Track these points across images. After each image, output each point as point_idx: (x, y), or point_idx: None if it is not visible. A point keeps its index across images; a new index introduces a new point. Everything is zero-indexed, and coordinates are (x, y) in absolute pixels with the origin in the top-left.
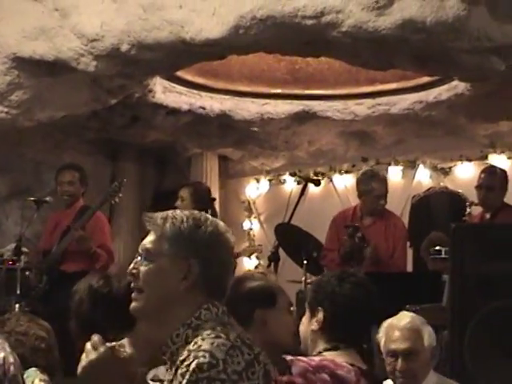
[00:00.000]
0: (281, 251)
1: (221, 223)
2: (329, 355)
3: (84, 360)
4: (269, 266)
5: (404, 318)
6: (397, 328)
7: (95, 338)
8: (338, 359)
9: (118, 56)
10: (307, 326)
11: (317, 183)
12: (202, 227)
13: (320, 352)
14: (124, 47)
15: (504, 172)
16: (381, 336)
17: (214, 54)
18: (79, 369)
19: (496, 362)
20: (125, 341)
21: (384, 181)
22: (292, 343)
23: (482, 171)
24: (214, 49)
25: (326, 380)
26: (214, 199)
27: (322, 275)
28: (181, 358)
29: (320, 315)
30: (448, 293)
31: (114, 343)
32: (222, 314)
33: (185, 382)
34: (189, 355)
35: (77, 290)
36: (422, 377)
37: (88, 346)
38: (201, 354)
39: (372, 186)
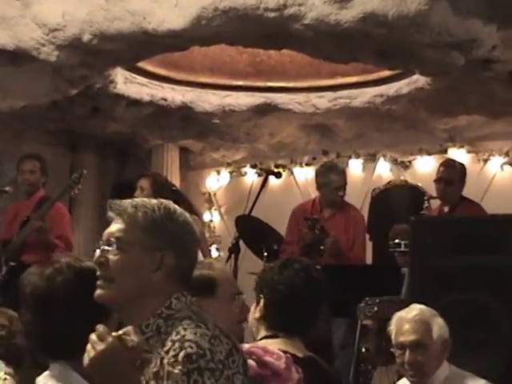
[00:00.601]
0: (241, 243)
1: (187, 213)
2: (264, 342)
3: (91, 351)
4: (229, 257)
5: (413, 310)
6: (405, 320)
7: (100, 328)
8: (272, 346)
9: (80, 46)
10: (252, 314)
11: (278, 175)
12: (173, 217)
13: (260, 339)
14: (86, 37)
15: (462, 166)
16: (392, 329)
17: (175, 46)
18: (87, 360)
19: (455, 355)
20: (129, 328)
21: (342, 173)
22: (234, 332)
23: (441, 165)
24: (176, 40)
25: (251, 365)
26: (176, 190)
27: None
28: (165, 349)
29: (261, 303)
30: (407, 286)
31: (119, 332)
32: (191, 304)
33: (176, 372)
34: (173, 345)
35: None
36: (431, 369)
37: (93, 336)
38: (187, 344)
39: (330, 178)
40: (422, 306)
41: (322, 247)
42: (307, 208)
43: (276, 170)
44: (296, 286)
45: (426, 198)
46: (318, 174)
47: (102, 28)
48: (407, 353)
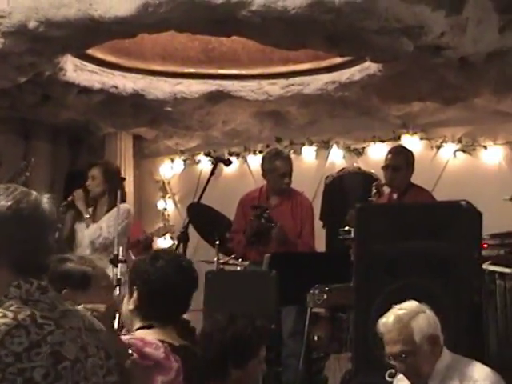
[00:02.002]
0: (192, 231)
1: (43, 198)
2: (140, 333)
3: None
4: (177, 246)
5: (391, 316)
6: (386, 329)
7: None
8: (149, 337)
9: (26, 33)
10: (126, 306)
11: (227, 163)
12: (19, 205)
13: (136, 330)
14: (32, 24)
15: (410, 152)
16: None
17: (123, 33)
18: None
19: None
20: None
21: (288, 159)
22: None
23: (389, 152)
24: (124, 27)
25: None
26: (124, 179)
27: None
28: None
29: (135, 295)
30: (354, 273)
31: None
32: (36, 290)
33: None
34: None
35: None
36: (425, 368)
37: None
38: None
39: (276, 165)
40: (400, 310)
41: (269, 235)
42: (254, 196)
43: (225, 158)
44: (167, 276)
45: (374, 184)
46: (263, 160)
47: (48, 15)
48: (396, 363)
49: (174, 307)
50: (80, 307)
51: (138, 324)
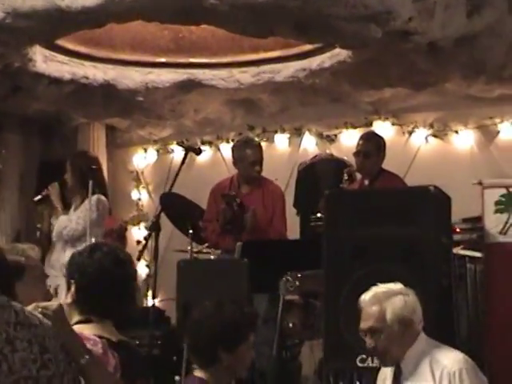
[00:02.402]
0: (166, 221)
1: None
2: (78, 327)
3: None
4: (149, 236)
5: (369, 293)
6: (363, 305)
7: None
8: (87, 332)
9: None
10: (64, 299)
11: (197, 152)
12: None
13: (73, 325)
14: None
15: (381, 138)
16: None
17: (91, 22)
18: None
19: None
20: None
21: (258, 147)
22: None
23: (360, 138)
24: (91, 16)
25: None
26: (94, 169)
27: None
28: None
29: (72, 288)
30: (323, 259)
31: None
32: None
33: None
34: None
35: None
36: (397, 350)
37: None
38: None
39: (246, 153)
40: (378, 288)
41: (242, 222)
42: (225, 185)
43: (196, 147)
44: (105, 269)
45: (345, 170)
46: (233, 149)
47: (15, 5)
48: (366, 339)
49: (112, 301)
50: (31, 306)
51: (75, 318)
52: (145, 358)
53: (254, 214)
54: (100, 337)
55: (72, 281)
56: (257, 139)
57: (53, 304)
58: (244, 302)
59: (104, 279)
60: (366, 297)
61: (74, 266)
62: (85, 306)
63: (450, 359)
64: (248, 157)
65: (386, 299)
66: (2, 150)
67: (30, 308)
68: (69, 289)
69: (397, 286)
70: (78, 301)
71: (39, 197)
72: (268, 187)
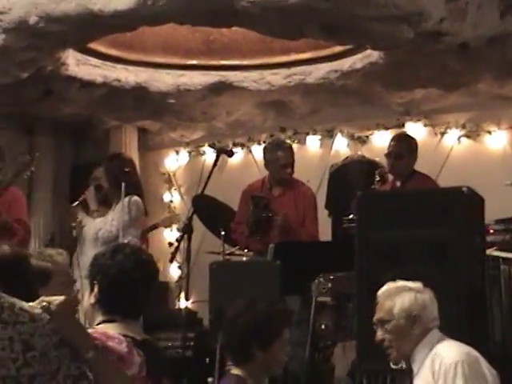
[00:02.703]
0: (198, 223)
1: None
2: (102, 327)
3: None
4: (181, 238)
5: (385, 287)
6: (378, 297)
7: None
8: (111, 331)
9: (27, 29)
10: (88, 300)
11: (230, 154)
12: None
13: (97, 325)
14: (32, 19)
15: (413, 139)
16: None
17: (123, 26)
18: None
19: None
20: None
21: (289, 150)
22: None
23: (392, 139)
24: (123, 20)
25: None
26: (127, 172)
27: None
28: None
29: (96, 289)
30: (355, 261)
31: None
32: None
33: None
34: None
35: None
36: (405, 346)
37: None
38: None
39: (277, 155)
40: (396, 282)
41: (269, 224)
42: (257, 187)
43: (228, 149)
44: (127, 270)
45: (377, 172)
46: (265, 151)
47: (48, 10)
48: (378, 331)
49: (135, 301)
50: (38, 300)
51: (99, 318)
52: (169, 358)
53: (286, 218)
54: (125, 336)
55: (95, 282)
56: (288, 141)
57: (58, 298)
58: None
59: (125, 280)
60: (381, 291)
61: (97, 268)
62: (107, 307)
63: (451, 352)
64: (279, 159)
65: (397, 294)
66: (36, 153)
67: (35, 303)
68: (92, 290)
69: (414, 284)
70: (100, 301)
71: (77, 202)
72: (300, 189)
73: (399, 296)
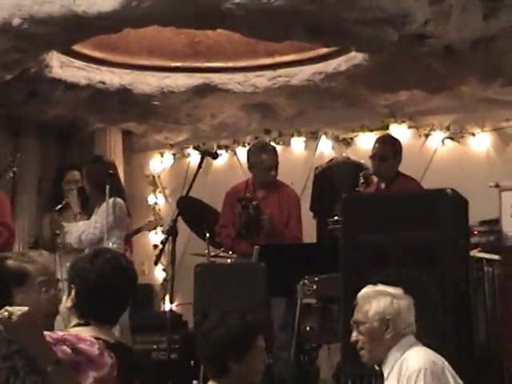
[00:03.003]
0: (182, 225)
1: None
2: (76, 330)
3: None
4: (166, 240)
5: (363, 290)
6: (356, 300)
7: None
8: (84, 334)
9: (10, 30)
10: (64, 303)
11: (214, 156)
12: None
13: (72, 327)
14: (15, 21)
15: (397, 141)
16: None
17: (107, 28)
18: None
19: None
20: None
21: (273, 152)
22: (42, 321)
23: (376, 141)
24: (107, 22)
25: (66, 351)
26: (110, 174)
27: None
28: None
29: (73, 292)
30: (341, 263)
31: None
32: None
33: None
34: None
35: None
36: (377, 350)
37: None
38: None
39: (262, 158)
40: (378, 286)
41: (258, 226)
42: (240, 189)
43: (212, 152)
44: (106, 275)
45: (361, 174)
46: (249, 154)
47: (32, 11)
48: (353, 332)
49: (112, 306)
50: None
51: (74, 321)
52: (154, 361)
53: (271, 217)
54: (97, 338)
55: (72, 285)
56: (273, 143)
57: (22, 309)
58: (255, 308)
59: (103, 286)
60: (361, 293)
61: (75, 271)
62: (84, 311)
63: (417, 358)
64: (264, 162)
65: (374, 297)
66: (18, 154)
67: None
68: (69, 293)
69: (393, 290)
70: (77, 305)
71: (60, 206)
72: (284, 191)
73: (376, 299)
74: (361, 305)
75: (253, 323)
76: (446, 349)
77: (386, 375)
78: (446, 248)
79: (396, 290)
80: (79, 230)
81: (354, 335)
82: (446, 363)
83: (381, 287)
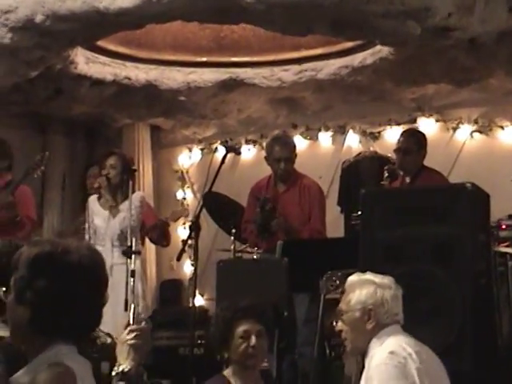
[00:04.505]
0: (210, 220)
1: None
2: None
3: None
4: (189, 235)
5: (350, 279)
6: (344, 288)
7: None
8: None
9: (33, 27)
10: None
11: (237, 152)
12: None
13: None
14: (38, 18)
15: (422, 134)
16: None
17: (129, 24)
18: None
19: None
20: None
21: (286, 144)
22: None
23: (401, 135)
24: (129, 18)
25: None
26: (135, 170)
27: None
28: None
29: None
30: (360, 259)
31: None
32: None
33: None
34: None
35: None
36: (359, 340)
37: None
38: None
39: (274, 149)
40: (366, 275)
41: (271, 228)
42: (263, 185)
43: (236, 147)
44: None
45: (385, 168)
46: (266, 146)
47: (54, 8)
48: (338, 322)
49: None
50: None
51: None
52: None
53: (282, 219)
54: None
55: None
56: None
57: None
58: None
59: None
60: (347, 281)
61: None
62: None
63: (381, 352)
64: (275, 153)
65: (358, 286)
66: (46, 152)
67: None
68: None
69: (380, 278)
70: None
71: (93, 190)
72: (304, 184)
73: (359, 288)
74: (346, 293)
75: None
76: (465, 343)
77: (366, 365)
78: (465, 243)
79: (383, 279)
80: (122, 224)
81: (339, 325)
82: (423, 350)
83: (368, 275)
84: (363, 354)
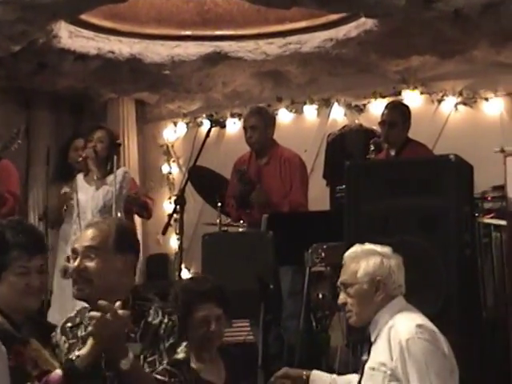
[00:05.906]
0: (196, 195)
1: None
2: None
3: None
4: (174, 209)
5: (351, 250)
6: (344, 259)
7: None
8: None
9: (15, 1)
10: None
11: (222, 125)
12: None
13: None
14: None
15: (406, 107)
16: None
17: None
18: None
19: None
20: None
21: (254, 113)
22: None
23: (385, 107)
24: None
25: None
26: (120, 144)
27: None
28: None
29: None
30: (344, 232)
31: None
32: None
33: None
34: None
35: None
36: (366, 311)
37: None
38: None
39: (244, 119)
40: (367, 246)
41: (250, 200)
42: (245, 158)
43: (220, 120)
44: None
45: (371, 141)
46: None
47: None
48: (340, 294)
49: None
50: None
51: None
52: None
53: (261, 190)
54: None
55: None
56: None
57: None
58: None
59: None
60: (348, 253)
61: None
62: None
63: (406, 327)
64: (244, 122)
65: (363, 257)
66: (22, 125)
67: None
68: None
69: (382, 249)
70: None
71: (80, 159)
72: (285, 157)
73: (364, 259)
74: (348, 265)
75: (189, 295)
76: (451, 313)
77: (373, 338)
78: (450, 215)
79: (385, 249)
80: (106, 197)
81: (342, 297)
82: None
83: (369, 246)
84: (364, 326)
